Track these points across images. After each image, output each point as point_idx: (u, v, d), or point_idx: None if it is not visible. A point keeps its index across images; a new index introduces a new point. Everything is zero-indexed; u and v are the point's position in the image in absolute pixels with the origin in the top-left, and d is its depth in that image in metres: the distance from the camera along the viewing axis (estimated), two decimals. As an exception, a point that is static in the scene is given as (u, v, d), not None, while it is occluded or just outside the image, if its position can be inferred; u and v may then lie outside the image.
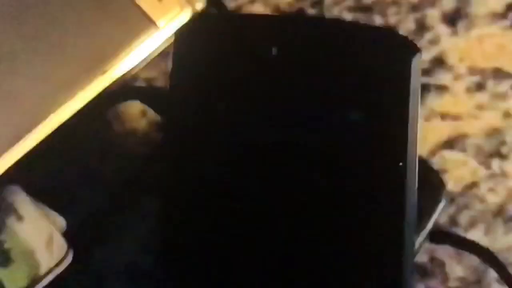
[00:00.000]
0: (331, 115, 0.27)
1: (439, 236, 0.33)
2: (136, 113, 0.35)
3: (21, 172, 0.33)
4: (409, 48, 0.28)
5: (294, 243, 0.27)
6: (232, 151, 0.27)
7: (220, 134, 0.27)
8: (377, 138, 0.27)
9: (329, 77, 0.27)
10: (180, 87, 0.28)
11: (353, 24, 0.33)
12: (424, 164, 0.33)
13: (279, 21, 0.30)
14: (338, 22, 0.32)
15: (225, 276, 0.27)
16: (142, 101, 0.33)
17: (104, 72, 0.31)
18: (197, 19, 0.31)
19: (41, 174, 0.33)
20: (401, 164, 0.27)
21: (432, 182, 0.32)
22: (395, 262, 0.27)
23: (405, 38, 0.29)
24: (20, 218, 0.29)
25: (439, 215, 0.34)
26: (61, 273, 0.29)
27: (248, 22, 0.29)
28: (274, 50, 0.27)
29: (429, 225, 0.31)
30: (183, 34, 0.29)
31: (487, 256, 0.33)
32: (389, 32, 0.30)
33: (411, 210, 0.27)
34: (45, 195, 0.31)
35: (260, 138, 0.27)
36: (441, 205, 0.32)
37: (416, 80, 0.28)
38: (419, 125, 0.37)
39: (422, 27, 0.39)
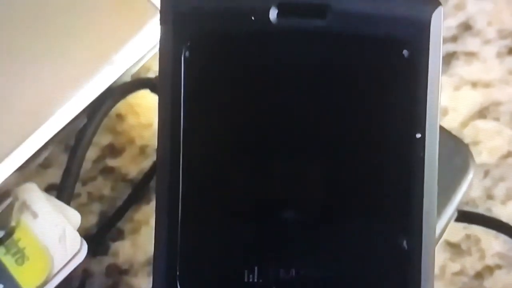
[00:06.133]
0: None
1: (464, 216, 0.31)
2: (151, 105, 0.35)
3: (38, 169, 0.33)
4: (428, 3, 0.26)
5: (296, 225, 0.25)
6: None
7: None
8: (391, 106, 0.25)
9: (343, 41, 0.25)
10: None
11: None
12: (448, 135, 0.30)
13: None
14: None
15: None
16: (153, 90, 0.32)
17: (112, 62, 0.31)
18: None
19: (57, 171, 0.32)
20: (419, 135, 0.25)
21: (458, 154, 0.30)
22: (413, 249, 0.25)
23: None
24: (34, 215, 0.29)
25: (471, 189, 0.32)
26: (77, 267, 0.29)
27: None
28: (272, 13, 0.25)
29: (456, 200, 0.29)
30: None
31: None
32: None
33: (430, 188, 0.25)
34: (62, 192, 0.31)
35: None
36: (469, 179, 0.29)
37: (436, 38, 0.25)
38: (447, 94, 0.35)
39: (446, -8, 0.37)
